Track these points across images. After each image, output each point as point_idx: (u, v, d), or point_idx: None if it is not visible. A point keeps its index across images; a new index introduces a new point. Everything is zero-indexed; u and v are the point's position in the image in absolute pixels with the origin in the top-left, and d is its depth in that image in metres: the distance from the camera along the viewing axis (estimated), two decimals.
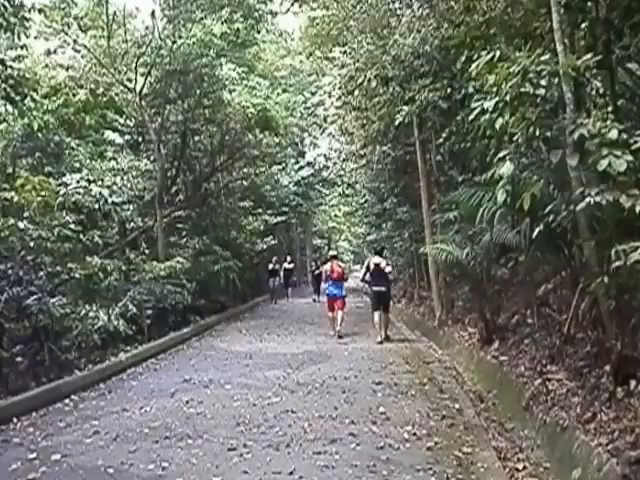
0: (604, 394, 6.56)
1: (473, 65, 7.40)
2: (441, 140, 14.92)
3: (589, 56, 6.50)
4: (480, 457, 6.37)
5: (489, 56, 7.11)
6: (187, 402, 9.06)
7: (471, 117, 7.64)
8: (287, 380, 10.71)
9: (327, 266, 17.74)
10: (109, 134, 21.58)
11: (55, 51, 21.43)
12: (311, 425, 7.62)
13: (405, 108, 14.59)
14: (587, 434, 5.91)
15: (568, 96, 6.85)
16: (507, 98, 6.74)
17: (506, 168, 7.02)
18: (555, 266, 10.65)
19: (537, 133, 6.81)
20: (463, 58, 11.72)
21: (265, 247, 29.47)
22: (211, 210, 25.11)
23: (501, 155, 7.35)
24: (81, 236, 13.67)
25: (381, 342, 15.28)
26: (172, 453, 6.63)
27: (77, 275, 12.52)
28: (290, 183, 34.32)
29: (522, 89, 6.67)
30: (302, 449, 6.69)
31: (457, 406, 8.59)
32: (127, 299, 13.88)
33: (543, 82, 6.68)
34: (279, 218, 32.33)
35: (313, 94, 33.49)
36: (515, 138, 7.11)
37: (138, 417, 8.31)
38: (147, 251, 16.19)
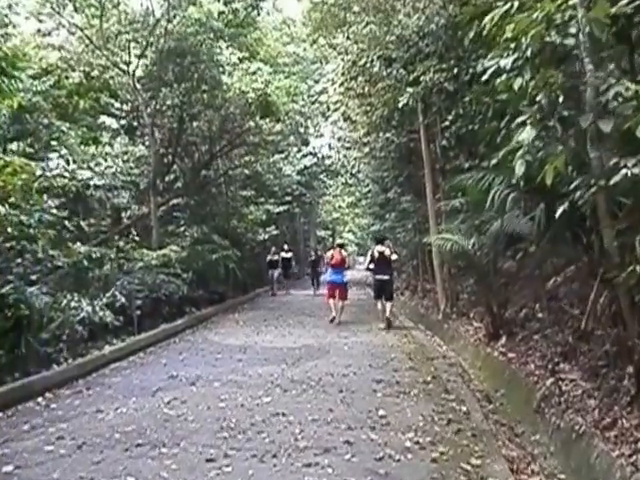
0: (625, 398, 5.97)
1: (487, 18, 6.51)
2: (447, 123, 14.26)
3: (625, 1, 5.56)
4: (491, 470, 5.63)
5: (506, 7, 6.23)
6: (168, 402, 8.33)
7: (484, 77, 6.80)
8: (281, 377, 9.98)
9: (329, 253, 18.34)
10: (104, 119, 20.98)
11: (50, 33, 20.87)
12: (303, 431, 6.89)
13: (409, 90, 13.95)
14: (607, 442, 5.33)
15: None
16: (528, 53, 5.91)
17: (527, 133, 6.04)
18: (567, 257, 9.98)
19: (560, 99, 5.97)
20: (471, 34, 10.95)
21: (267, 237, 28.80)
22: (211, 198, 24.64)
23: (520, 120, 6.37)
24: (66, 222, 12.96)
25: (384, 328, 15.80)
26: (141, 465, 5.88)
27: (60, 263, 11.84)
28: (293, 172, 33.51)
29: (547, 39, 5.81)
30: (290, 460, 5.94)
31: (464, 408, 7.86)
32: (114, 289, 13.17)
33: (572, 30, 5.78)
34: (281, 208, 31.74)
35: (317, 82, 33.02)
36: (538, 99, 6.18)
37: (111, 419, 7.57)
38: (138, 238, 15.45)
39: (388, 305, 16.21)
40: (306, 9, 25.63)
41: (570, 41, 5.82)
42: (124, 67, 18.80)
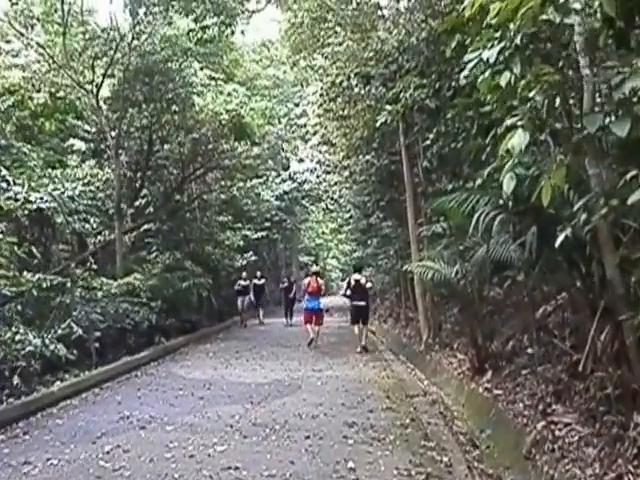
0: (631, 449, 5.13)
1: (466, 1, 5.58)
2: (428, 142, 13.45)
3: None
4: None
5: None
6: (109, 451, 7.33)
7: (464, 73, 5.90)
8: (243, 419, 9.00)
9: (306, 280, 19.16)
10: (73, 141, 20.12)
11: (17, 54, 20.10)
12: None
13: (388, 107, 13.36)
14: None
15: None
16: (517, 40, 4.94)
17: (518, 138, 4.87)
18: (559, 285, 9.04)
19: (556, 103, 5.01)
20: (454, 44, 10.18)
21: (245, 263, 27.58)
22: (184, 223, 23.75)
23: (509, 122, 5.25)
24: (15, 249, 12.02)
25: (360, 352, 16.41)
26: None
27: (8, 292, 10.89)
28: (272, 197, 32.76)
29: (543, 16, 4.77)
30: None
31: (445, 459, 6.89)
32: (70, 320, 12.19)
33: (577, 5, 4.73)
34: (260, 234, 30.85)
35: (297, 105, 32.82)
36: (531, 95, 5.15)
37: (37, 474, 6.58)
38: (95, 266, 14.50)
39: (365, 329, 17.07)
40: (284, 29, 25.18)
41: (574, 19, 4.84)
42: (88, 86, 17.92)
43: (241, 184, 27.41)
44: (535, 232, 7.02)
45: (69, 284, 12.92)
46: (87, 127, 20.45)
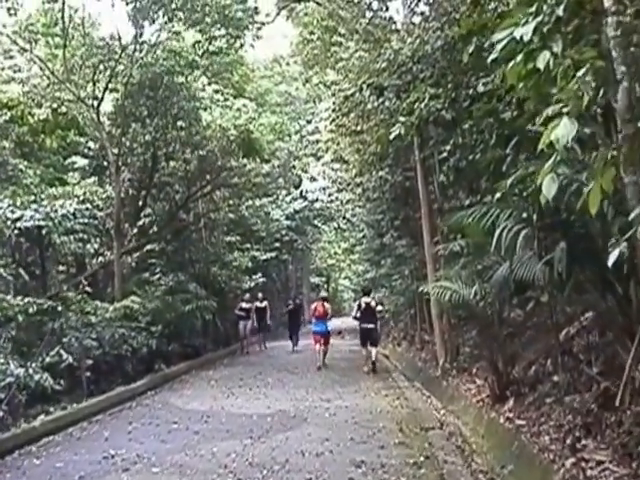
0: None
1: None
2: (445, 154, 12.85)
3: None
4: None
5: None
6: None
7: (492, 56, 4.94)
8: (240, 458, 8.12)
9: (313, 305, 19.85)
10: (75, 159, 19.46)
11: (20, 69, 19.51)
12: None
13: (402, 119, 12.52)
14: None
15: None
16: (560, 10, 4.07)
17: (564, 128, 3.88)
18: (584, 305, 8.43)
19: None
20: (471, 49, 9.47)
21: (253, 285, 26.69)
22: (190, 244, 23.00)
23: (550, 111, 4.19)
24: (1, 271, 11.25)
25: (367, 372, 17.16)
26: None
27: None
28: (282, 217, 32.17)
29: None
30: None
31: None
32: (59, 347, 11.39)
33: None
34: (269, 254, 30.05)
35: (309, 122, 32.44)
36: (580, 73, 4.06)
37: None
38: (89, 289, 13.72)
39: (374, 351, 17.51)
40: (295, 43, 24.77)
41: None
42: (89, 101, 17.25)
43: (250, 202, 26.75)
44: (564, 248, 6.36)
45: (60, 308, 12.11)
46: (89, 144, 19.85)
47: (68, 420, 10.56)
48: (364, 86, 14.46)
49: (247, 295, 25.37)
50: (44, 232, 12.98)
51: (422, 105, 12.01)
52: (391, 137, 12.98)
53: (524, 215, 6.91)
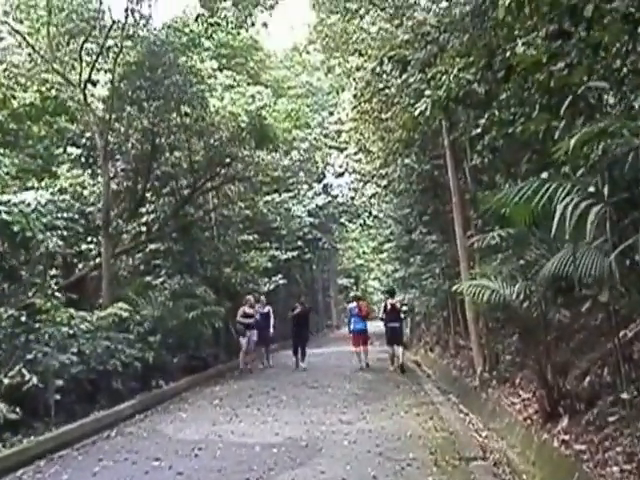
0: None
1: None
2: (478, 131, 11.06)
3: None
4: None
5: None
6: None
7: None
8: None
9: (353, 304, 20.58)
10: (63, 148, 17.85)
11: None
12: None
13: (428, 92, 11.37)
14: None
15: None
16: None
17: None
18: None
19: None
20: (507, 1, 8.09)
21: (272, 287, 24.95)
22: (200, 243, 21.25)
23: None
24: None
25: (394, 371, 18.13)
26: None
27: None
28: (304, 213, 30.62)
29: None
30: None
31: None
32: (20, 366, 9.55)
33: None
34: (290, 254, 28.41)
35: (331, 114, 31.95)
36: None
37: None
38: (59, 294, 11.89)
39: (400, 350, 18.69)
40: (312, 25, 24.36)
41: None
42: (75, 80, 15.55)
43: (268, 198, 25.12)
44: None
45: (23, 319, 10.26)
46: (78, 130, 18.12)
47: (22, 458, 8.58)
48: (385, 59, 13.78)
49: (250, 297, 20.96)
50: (16, 229, 11.01)
51: (451, 77, 10.66)
52: (416, 113, 11.81)
53: (591, 189, 5.75)
